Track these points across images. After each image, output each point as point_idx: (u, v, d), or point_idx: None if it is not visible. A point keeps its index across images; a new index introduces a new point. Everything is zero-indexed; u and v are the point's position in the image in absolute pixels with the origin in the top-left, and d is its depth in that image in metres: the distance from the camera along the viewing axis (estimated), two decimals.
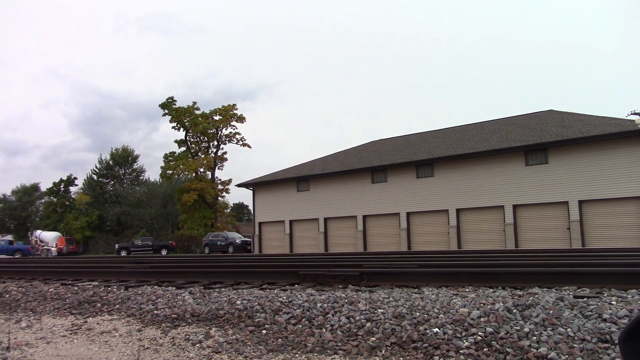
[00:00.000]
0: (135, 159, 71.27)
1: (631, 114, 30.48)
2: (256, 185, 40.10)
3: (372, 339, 4.71)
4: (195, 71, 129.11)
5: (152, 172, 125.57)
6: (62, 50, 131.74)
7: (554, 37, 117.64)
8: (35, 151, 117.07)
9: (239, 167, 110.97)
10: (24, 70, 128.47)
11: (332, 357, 4.51)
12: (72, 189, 67.84)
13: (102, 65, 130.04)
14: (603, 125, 26.16)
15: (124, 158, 69.73)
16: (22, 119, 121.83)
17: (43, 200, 74.12)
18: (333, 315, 5.43)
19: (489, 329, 4.44)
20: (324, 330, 5.12)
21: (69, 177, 66.22)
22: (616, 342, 3.85)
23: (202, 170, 52.37)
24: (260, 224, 39.61)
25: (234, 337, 5.29)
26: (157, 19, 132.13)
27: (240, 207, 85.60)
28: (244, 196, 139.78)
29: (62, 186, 65.55)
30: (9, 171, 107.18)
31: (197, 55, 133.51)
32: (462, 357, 4.12)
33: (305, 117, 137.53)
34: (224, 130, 53.50)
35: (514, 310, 4.84)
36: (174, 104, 52.76)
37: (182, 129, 53.13)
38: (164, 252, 43.10)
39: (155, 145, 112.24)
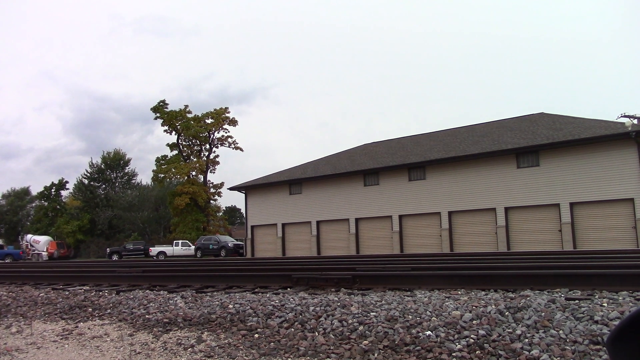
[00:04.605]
0: (127, 162, 70.96)
1: (621, 116, 30.74)
2: (248, 189, 40.03)
3: (365, 342, 4.70)
4: (191, 73, 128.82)
5: (147, 176, 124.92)
6: (57, 53, 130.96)
7: (544, 40, 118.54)
8: (29, 155, 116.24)
9: (232, 170, 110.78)
10: (19, 73, 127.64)
11: None
12: (63, 192, 67.48)
13: (97, 68, 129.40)
14: (593, 127, 26.35)
15: (115, 162, 69.37)
16: (16, 122, 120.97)
17: (34, 204, 73.59)
18: (325, 319, 5.42)
19: (481, 332, 4.45)
20: (317, 333, 5.11)
21: (60, 181, 65.80)
22: None
23: (194, 173, 52.26)
24: (252, 227, 39.52)
25: (226, 341, 5.27)
26: (153, 21, 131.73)
27: (232, 211, 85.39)
28: (237, 199, 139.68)
29: (53, 190, 65.13)
30: (1, 175, 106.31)
31: (193, 57, 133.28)
32: None
33: (300, 120, 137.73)
34: (216, 134, 53.48)
35: (506, 313, 4.85)
36: (166, 107, 52.68)
37: (174, 132, 53.02)
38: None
39: (150, 148, 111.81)
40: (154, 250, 43.58)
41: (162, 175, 51.58)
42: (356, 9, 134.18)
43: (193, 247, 43.07)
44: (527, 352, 4.00)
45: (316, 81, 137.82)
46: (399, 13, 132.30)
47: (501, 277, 7.20)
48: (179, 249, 43.10)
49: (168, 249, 43.33)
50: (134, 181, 71.61)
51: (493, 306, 5.09)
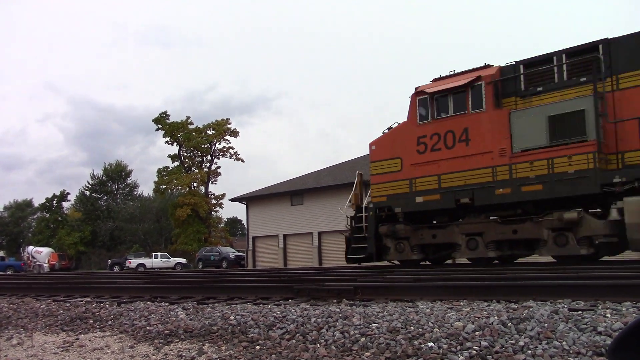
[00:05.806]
0: (128, 173, 71.10)
1: None
2: (250, 200, 40.03)
3: (367, 353, 4.68)
4: (194, 85, 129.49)
5: (149, 187, 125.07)
6: (60, 64, 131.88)
7: (545, 46, 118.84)
8: (31, 166, 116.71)
9: (233, 181, 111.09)
10: (21, 85, 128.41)
11: None
12: (65, 204, 67.57)
13: (99, 79, 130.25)
14: None
15: (117, 173, 69.51)
16: (18, 133, 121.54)
17: (36, 216, 73.65)
18: (327, 330, 5.39)
19: (484, 343, 4.42)
20: (318, 345, 5.08)
21: (62, 193, 65.93)
22: None
23: (195, 184, 52.32)
24: (254, 238, 39.48)
25: (227, 353, 5.24)
26: (156, 31, 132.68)
27: (234, 222, 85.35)
28: (238, 211, 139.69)
29: (54, 202, 65.21)
30: (3, 187, 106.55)
31: (196, 68, 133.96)
32: None
33: (301, 131, 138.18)
34: (217, 145, 53.60)
35: (509, 324, 4.83)
36: (167, 119, 52.86)
37: (175, 143, 53.16)
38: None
39: (152, 159, 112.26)
40: (133, 262, 43.16)
41: (163, 186, 51.63)
42: (358, 20, 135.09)
43: (173, 259, 43.05)
44: None
45: (318, 92, 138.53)
46: (400, 23, 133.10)
47: (503, 287, 7.16)
48: (158, 261, 42.92)
49: (147, 261, 43.15)
50: (135, 192, 71.81)
51: (495, 317, 5.07)
